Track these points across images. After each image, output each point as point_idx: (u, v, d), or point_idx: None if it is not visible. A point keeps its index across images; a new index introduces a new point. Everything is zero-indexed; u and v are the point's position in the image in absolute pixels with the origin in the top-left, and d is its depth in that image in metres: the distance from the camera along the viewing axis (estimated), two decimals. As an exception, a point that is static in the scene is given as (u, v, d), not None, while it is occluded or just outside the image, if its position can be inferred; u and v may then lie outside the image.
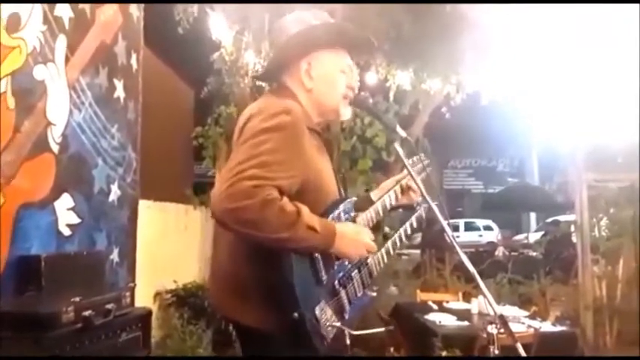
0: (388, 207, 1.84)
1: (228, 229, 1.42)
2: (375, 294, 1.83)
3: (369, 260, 1.75)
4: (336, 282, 1.61)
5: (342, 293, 1.62)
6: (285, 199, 1.42)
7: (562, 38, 4.60)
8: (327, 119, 1.79)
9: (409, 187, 1.89)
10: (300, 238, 1.42)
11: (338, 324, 1.56)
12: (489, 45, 4.92)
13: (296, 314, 1.43)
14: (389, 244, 1.87)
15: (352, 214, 1.67)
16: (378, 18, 4.68)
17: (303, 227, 1.42)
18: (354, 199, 1.72)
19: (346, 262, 1.65)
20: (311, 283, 1.51)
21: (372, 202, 1.81)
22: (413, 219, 1.98)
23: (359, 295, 1.69)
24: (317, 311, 1.50)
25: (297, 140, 1.51)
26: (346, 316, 1.62)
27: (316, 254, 1.52)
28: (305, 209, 1.45)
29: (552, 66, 4.94)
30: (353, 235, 1.57)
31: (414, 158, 1.91)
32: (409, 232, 1.97)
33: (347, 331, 1.59)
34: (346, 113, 1.76)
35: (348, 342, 1.61)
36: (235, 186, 1.37)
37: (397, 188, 1.88)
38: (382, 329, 3.54)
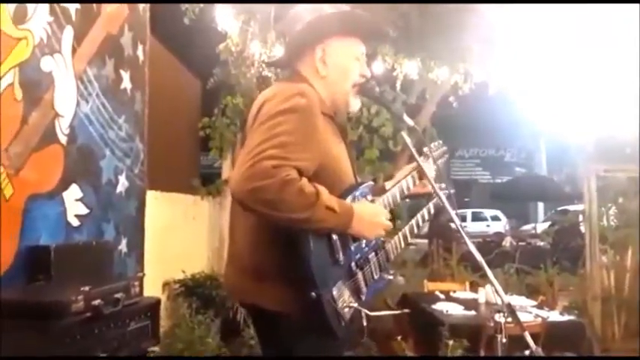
0: (405, 192, 1.84)
1: (248, 210, 1.43)
2: (392, 277, 1.83)
3: (386, 245, 1.76)
4: (353, 264, 1.61)
5: (359, 275, 1.63)
6: (305, 180, 1.43)
7: (572, 29, 4.56)
8: (338, 107, 1.77)
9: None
10: (318, 218, 1.43)
11: (355, 305, 1.57)
12: (497, 35, 4.88)
13: (313, 294, 1.44)
14: (406, 228, 1.88)
15: (369, 197, 1.67)
16: (386, 8, 4.65)
17: (322, 208, 1.43)
18: (371, 183, 1.73)
19: (363, 245, 1.66)
20: (328, 263, 1.51)
21: (386, 191, 1.80)
22: (430, 205, 2.00)
23: (375, 277, 1.70)
24: (334, 291, 1.50)
25: (313, 122, 1.52)
26: (363, 298, 1.62)
27: (334, 235, 1.53)
28: (324, 190, 1.46)
29: (561, 57, 4.90)
30: (370, 217, 1.59)
31: (433, 144, 1.90)
32: (426, 217, 1.99)
33: (364, 312, 1.60)
34: (356, 104, 1.76)
35: (365, 323, 1.61)
36: (255, 166, 1.38)
37: (415, 174, 1.88)
38: (398, 312, 3.56)
